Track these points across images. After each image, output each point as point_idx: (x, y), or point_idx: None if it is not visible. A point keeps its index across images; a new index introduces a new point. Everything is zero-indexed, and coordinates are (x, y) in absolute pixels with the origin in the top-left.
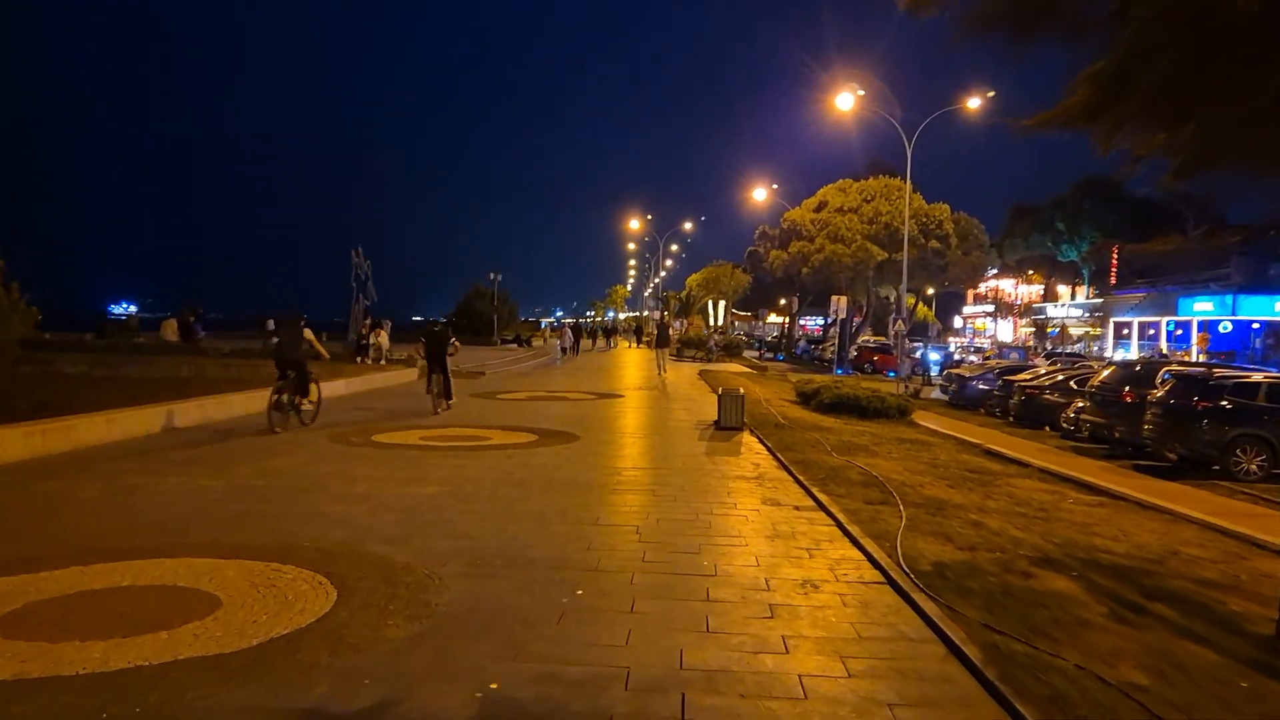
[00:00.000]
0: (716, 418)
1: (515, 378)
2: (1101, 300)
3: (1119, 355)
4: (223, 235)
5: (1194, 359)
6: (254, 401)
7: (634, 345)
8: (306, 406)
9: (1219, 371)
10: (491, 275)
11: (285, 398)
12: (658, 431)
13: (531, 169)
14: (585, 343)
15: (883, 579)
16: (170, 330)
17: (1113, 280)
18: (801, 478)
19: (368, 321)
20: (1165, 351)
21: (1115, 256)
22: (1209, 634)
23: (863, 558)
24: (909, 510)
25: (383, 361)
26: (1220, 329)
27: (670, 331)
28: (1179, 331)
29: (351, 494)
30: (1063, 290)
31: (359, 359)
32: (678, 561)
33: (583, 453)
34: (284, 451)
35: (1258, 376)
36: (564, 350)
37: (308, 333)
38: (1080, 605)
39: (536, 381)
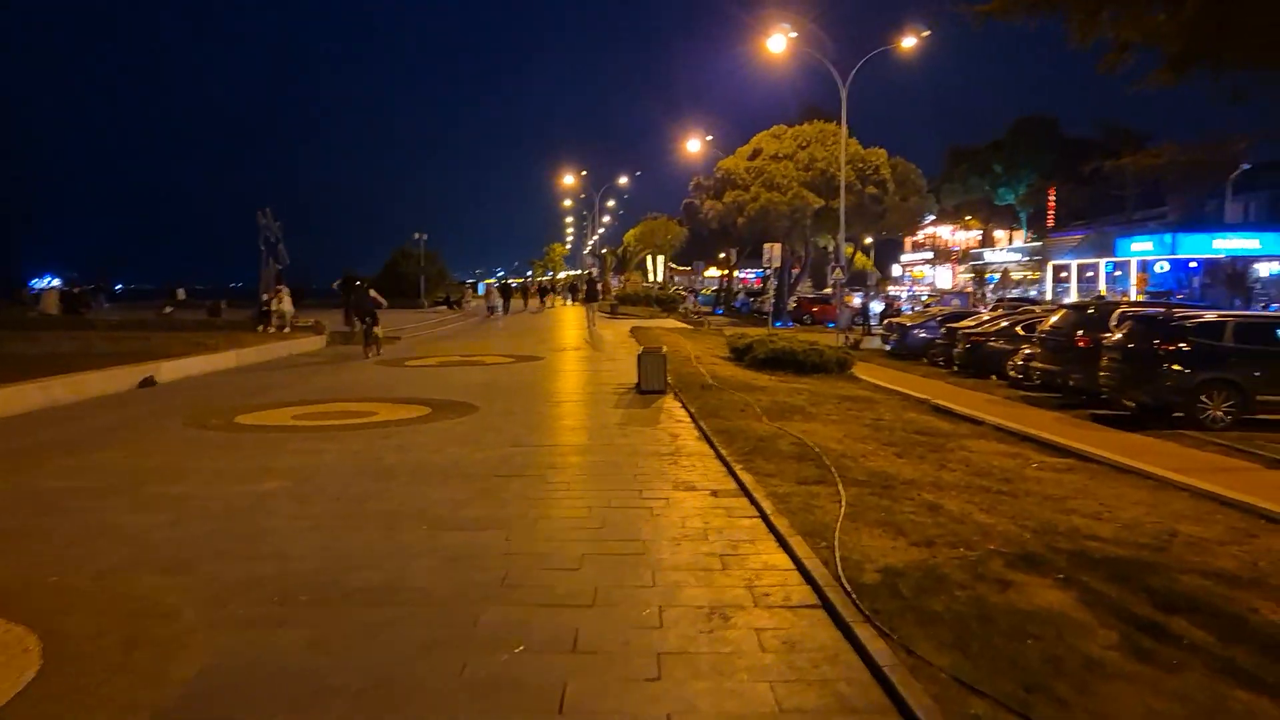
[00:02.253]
0: (637, 380)
1: (432, 342)
2: (1040, 244)
3: (1069, 298)
4: (150, 202)
5: (1134, 299)
6: (111, 381)
7: (569, 303)
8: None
9: (1179, 311)
10: (417, 235)
11: None
12: (570, 399)
13: (466, 126)
14: (517, 302)
15: (817, 601)
16: (50, 303)
17: (1050, 223)
18: (724, 451)
19: (283, 287)
20: (1104, 293)
21: (1052, 198)
22: (1261, 668)
23: (791, 566)
24: (851, 491)
25: (286, 329)
26: (1157, 269)
27: (599, 286)
28: (1118, 273)
29: (165, 497)
30: (1000, 235)
31: (260, 327)
32: (549, 584)
33: (476, 428)
34: (117, 441)
35: (1218, 315)
36: (491, 310)
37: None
38: (1082, 631)
39: (454, 345)
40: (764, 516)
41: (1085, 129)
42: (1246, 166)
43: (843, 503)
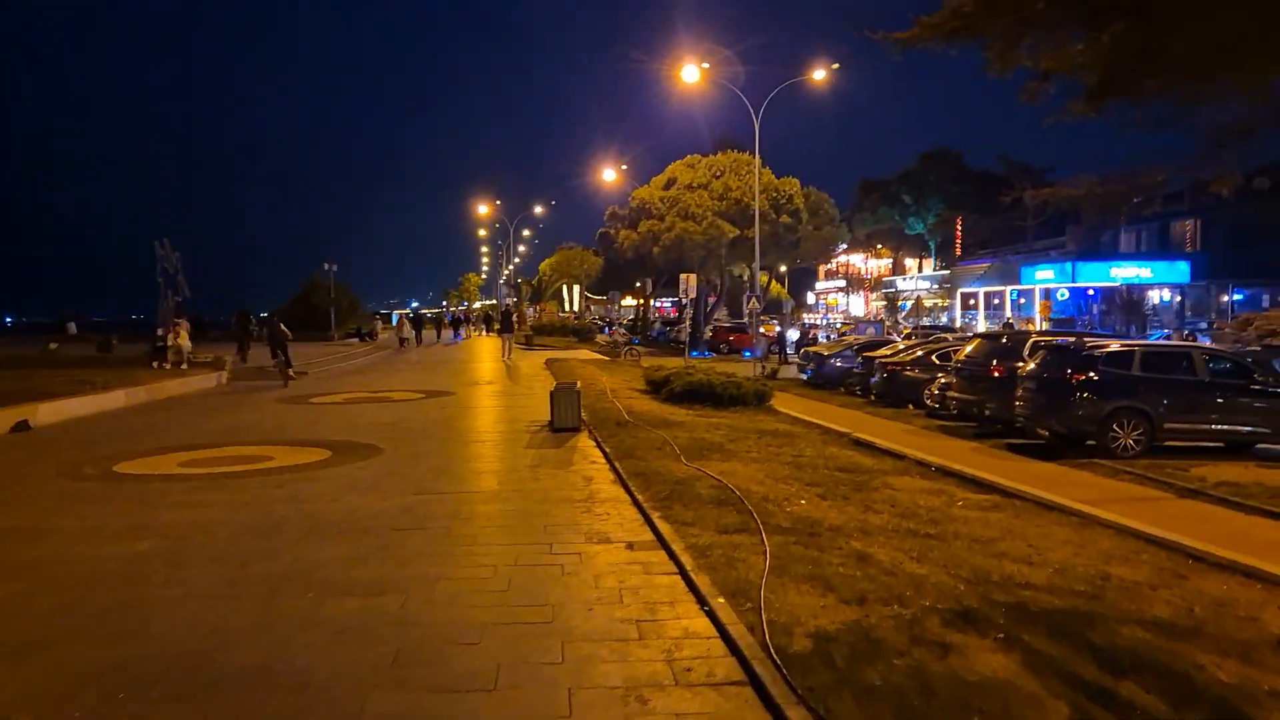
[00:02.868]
0: (550, 417)
1: (340, 377)
2: (948, 272)
3: (986, 326)
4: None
5: (1039, 327)
6: None
7: (484, 334)
8: None
9: (1090, 341)
10: (326, 265)
11: None
12: (481, 438)
13: (381, 156)
14: (430, 333)
15: (744, 676)
16: None
17: (958, 251)
18: (641, 497)
19: (182, 321)
20: (1012, 320)
21: (959, 228)
22: None
23: (714, 633)
24: (775, 540)
25: (184, 365)
26: (1058, 296)
27: (514, 317)
28: (1023, 300)
29: (19, 563)
30: (910, 263)
31: (155, 363)
32: (447, 661)
33: (379, 473)
34: None
35: (1125, 345)
36: (402, 343)
37: None
38: (1031, 703)
39: (363, 380)
40: (684, 573)
41: (988, 162)
42: (1138, 199)
43: (767, 554)
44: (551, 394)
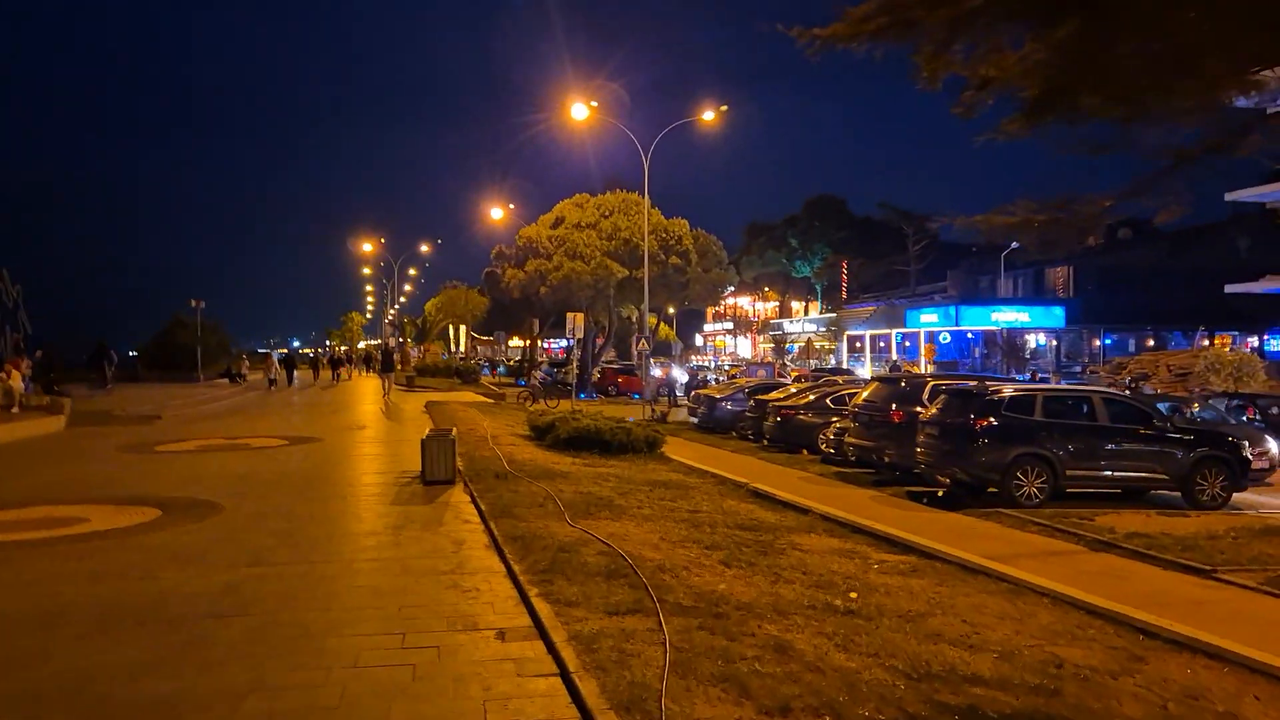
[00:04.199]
0: (421, 469)
1: (198, 421)
2: (834, 315)
3: (873, 369)
4: None
5: (923, 369)
6: None
7: (364, 374)
8: None
9: (992, 385)
10: (193, 302)
11: None
12: (341, 493)
13: (259, 191)
14: (306, 374)
15: None
16: None
17: (844, 295)
18: (518, 568)
19: (21, 360)
20: (898, 362)
21: (845, 272)
22: None
23: None
24: (675, 623)
25: (14, 409)
26: (941, 339)
27: (395, 357)
28: (907, 343)
29: None
30: (797, 306)
31: None
32: None
33: (211, 539)
34: None
35: (1026, 389)
36: (271, 384)
37: None
38: None
39: (224, 425)
40: (565, 675)
41: (870, 209)
42: (1016, 245)
43: (667, 646)
44: (423, 442)
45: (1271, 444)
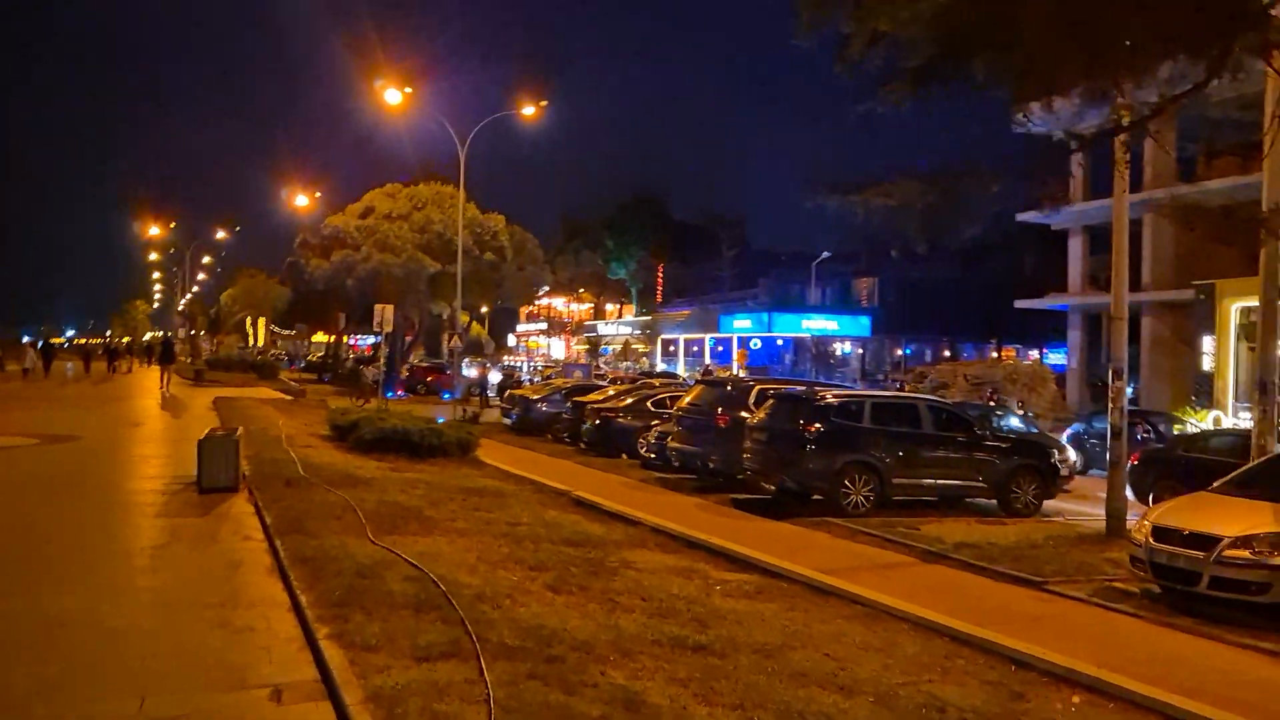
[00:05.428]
0: (197, 473)
1: None
2: (649, 318)
3: (687, 373)
4: None
5: (735, 373)
6: None
7: (147, 366)
8: None
9: (821, 391)
10: None
11: None
12: (96, 504)
13: (31, 164)
14: (76, 364)
15: None
16: None
17: (659, 298)
18: (306, 598)
19: None
20: (711, 367)
21: (660, 274)
22: None
23: None
24: (501, 671)
25: None
26: (752, 345)
27: (175, 348)
28: (720, 348)
29: None
30: (611, 308)
31: None
32: None
33: None
34: None
35: (859, 395)
36: (25, 373)
37: None
38: None
39: None
40: None
41: (688, 212)
42: (826, 255)
43: (491, 705)
44: (199, 444)
45: (1071, 452)
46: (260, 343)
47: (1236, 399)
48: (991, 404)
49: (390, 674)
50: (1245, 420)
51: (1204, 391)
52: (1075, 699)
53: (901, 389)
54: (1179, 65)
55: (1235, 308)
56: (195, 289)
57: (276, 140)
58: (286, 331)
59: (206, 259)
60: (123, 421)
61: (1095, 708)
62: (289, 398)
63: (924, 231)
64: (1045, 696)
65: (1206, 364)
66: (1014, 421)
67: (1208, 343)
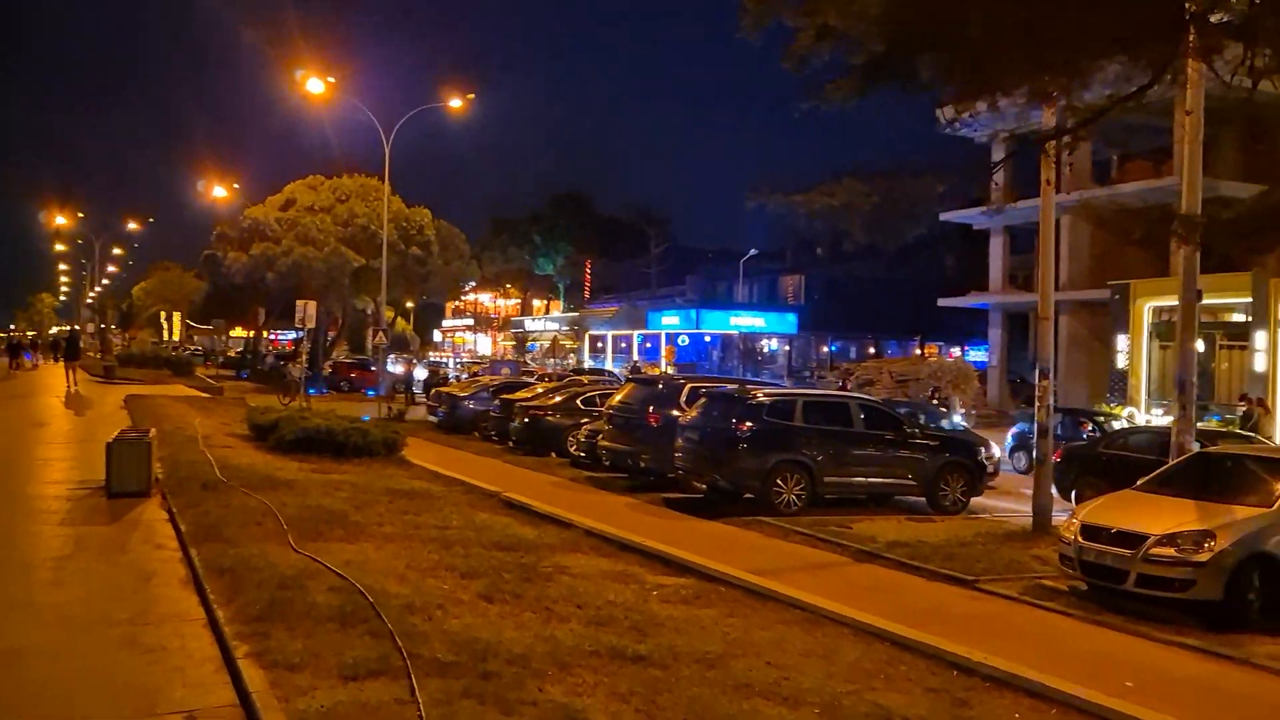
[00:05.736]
0: (106, 478)
1: None
2: (577, 314)
3: (632, 371)
4: None
5: (663, 370)
6: None
7: (53, 362)
8: None
9: (753, 389)
10: None
11: None
12: None
13: None
14: None
15: None
16: None
17: (587, 294)
18: (223, 613)
19: None
20: (639, 363)
21: (588, 271)
22: None
23: None
24: (434, 690)
25: None
26: (680, 342)
27: (80, 343)
28: (648, 345)
29: None
30: (538, 304)
31: None
32: None
33: None
34: None
35: (790, 393)
36: None
37: None
38: None
39: None
40: None
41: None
42: (754, 252)
43: None
44: (108, 445)
45: (995, 449)
46: (176, 338)
47: (1149, 396)
48: (935, 402)
49: (315, 695)
50: (1159, 417)
51: (1119, 389)
52: (1019, 706)
53: (844, 388)
54: (1121, 68)
55: (1148, 307)
56: (105, 282)
57: (193, 129)
58: (203, 326)
59: (118, 251)
60: (25, 421)
61: (1038, 714)
62: (206, 395)
63: (867, 232)
64: (989, 703)
65: (1121, 362)
66: (958, 420)
67: (1122, 341)
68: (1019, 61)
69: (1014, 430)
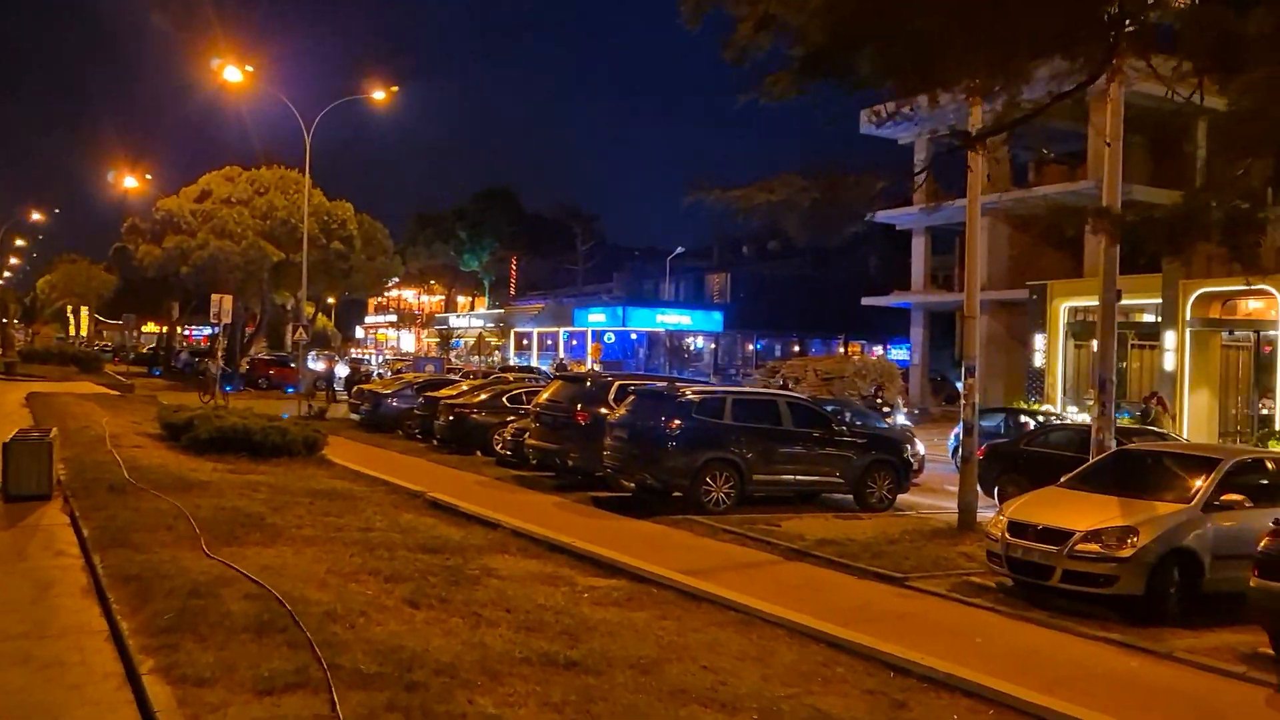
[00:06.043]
0: (2, 480)
1: None
2: (502, 310)
3: (558, 368)
4: None
5: (589, 367)
6: None
7: None
8: None
9: (682, 386)
10: None
11: None
12: None
13: None
14: None
15: None
16: None
17: (512, 291)
18: (129, 624)
19: None
20: (565, 361)
21: (514, 267)
22: None
23: None
24: (356, 704)
25: None
26: (606, 339)
27: None
28: (574, 342)
29: None
30: (463, 300)
31: None
32: None
33: None
34: None
35: (719, 391)
36: None
37: None
38: None
39: None
40: None
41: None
42: (681, 250)
43: None
44: (5, 446)
45: (920, 446)
46: (84, 333)
47: (1065, 394)
48: (879, 401)
49: (227, 712)
50: (1073, 414)
51: (1036, 387)
52: (956, 707)
53: (785, 387)
54: (1057, 65)
55: (1065, 307)
56: (8, 274)
57: (102, 116)
58: (113, 322)
59: (21, 242)
60: None
61: (976, 714)
62: (115, 393)
63: (806, 229)
64: (927, 703)
65: (1038, 360)
66: (901, 419)
67: (1039, 340)
68: (961, 55)
69: (956, 430)
